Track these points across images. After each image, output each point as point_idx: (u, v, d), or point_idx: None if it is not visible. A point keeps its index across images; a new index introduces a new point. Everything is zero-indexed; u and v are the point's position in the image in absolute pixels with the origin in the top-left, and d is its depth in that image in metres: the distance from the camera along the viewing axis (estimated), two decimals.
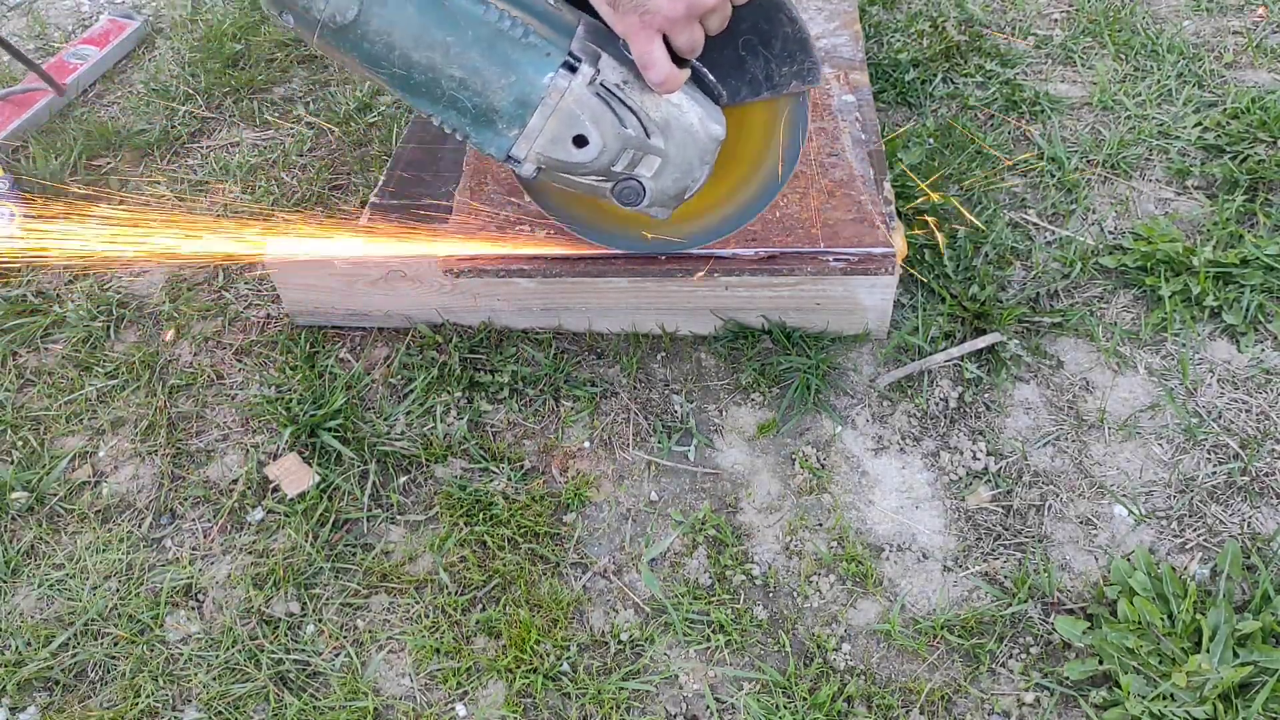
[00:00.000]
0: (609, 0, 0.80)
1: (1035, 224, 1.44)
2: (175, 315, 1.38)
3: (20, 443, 1.23)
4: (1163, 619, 0.96)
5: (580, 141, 0.85)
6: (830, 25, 1.58)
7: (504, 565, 1.07)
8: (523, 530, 1.11)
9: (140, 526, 1.14)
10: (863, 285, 1.21)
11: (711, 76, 0.92)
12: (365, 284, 1.27)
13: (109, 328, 1.36)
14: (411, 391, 1.25)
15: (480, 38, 0.81)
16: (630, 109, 0.85)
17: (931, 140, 1.57)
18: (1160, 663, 0.94)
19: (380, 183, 1.37)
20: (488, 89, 0.83)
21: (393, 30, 0.81)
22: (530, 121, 0.84)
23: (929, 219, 1.37)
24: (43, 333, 1.36)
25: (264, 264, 1.29)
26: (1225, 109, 1.60)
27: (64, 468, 1.20)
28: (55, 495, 1.17)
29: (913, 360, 1.25)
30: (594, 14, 0.86)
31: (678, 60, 0.86)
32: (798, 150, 1.04)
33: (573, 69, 0.82)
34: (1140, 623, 0.97)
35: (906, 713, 0.96)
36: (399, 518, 1.14)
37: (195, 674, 1.01)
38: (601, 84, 0.83)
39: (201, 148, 1.70)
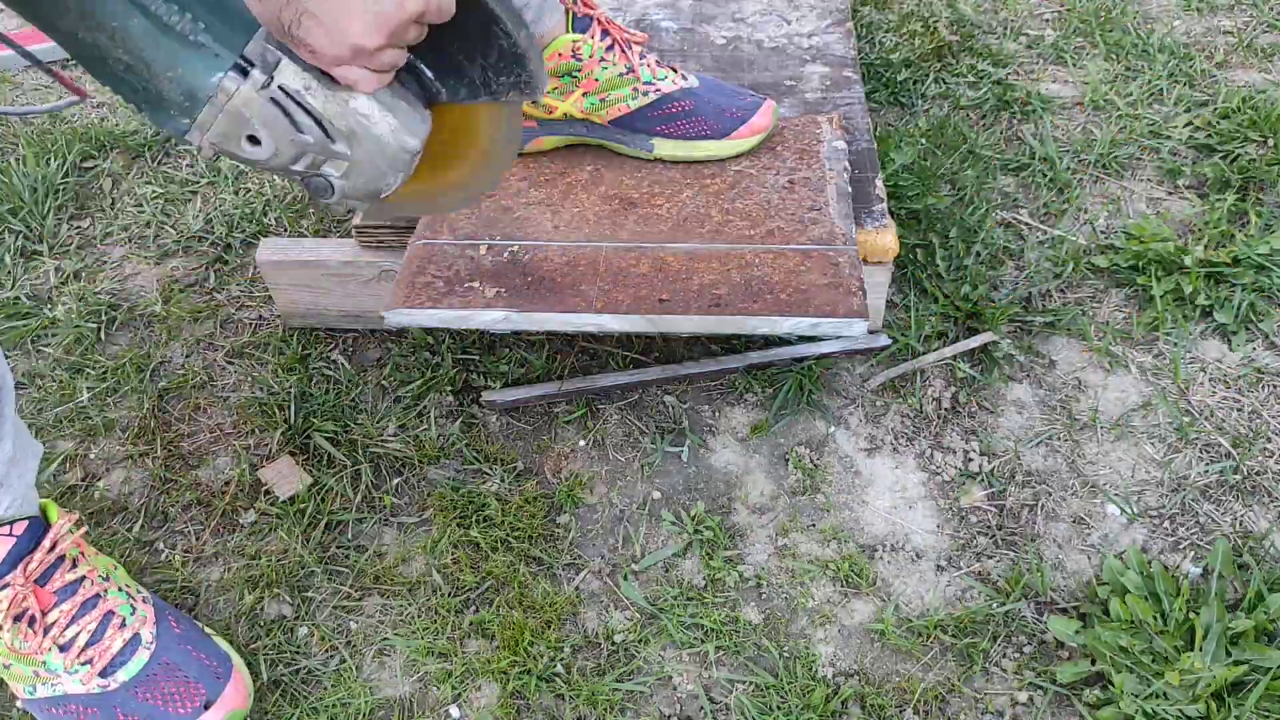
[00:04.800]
0: (287, 40, 0.79)
1: (1027, 223, 1.45)
2: (167, 317, 1.37)
3: None
4: (1155, 618, 0.97)
5: (253, 140, 0.84)
6: (822, 24, 1.58)
7: (497, 567, 1.07)
8: (516, 532, 1.10)
9: (133, 529, 1.13)
10: None
11: (430, 74, 0.91)
12: (358, 284, 1.27)
13: (100, 330, 1.36)
14: (404, 393, 1.25)
15: (145, 29, 0.79)
16: (311, 116, 0.83)
17: (924, 140, 1.57)
18: (1153, 661, 0.94)
19: None
20: (154, 78, 0.82)
21: (56, 2, 0.79)
22: (200, 116, 0.83)
23: None
24: (34, 336, 1.36)
25: (256, 265, 1.29)
26: (1216, 108, 1.60)
27: (55, 470, 1.19)
28: (47, 498, 1.16)
29: (905, 360, 1.25)
30: None
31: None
32: (510, 158, 1.02)
33: (244, 72, 0.81)
34: (1133, 621, 0.97)
35: (900, 712, 0.96)
36: (392, 519, 1.13)
37: None
38: (279, 88, 0.81)
39: (192, 149, 1.69)
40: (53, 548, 0.93)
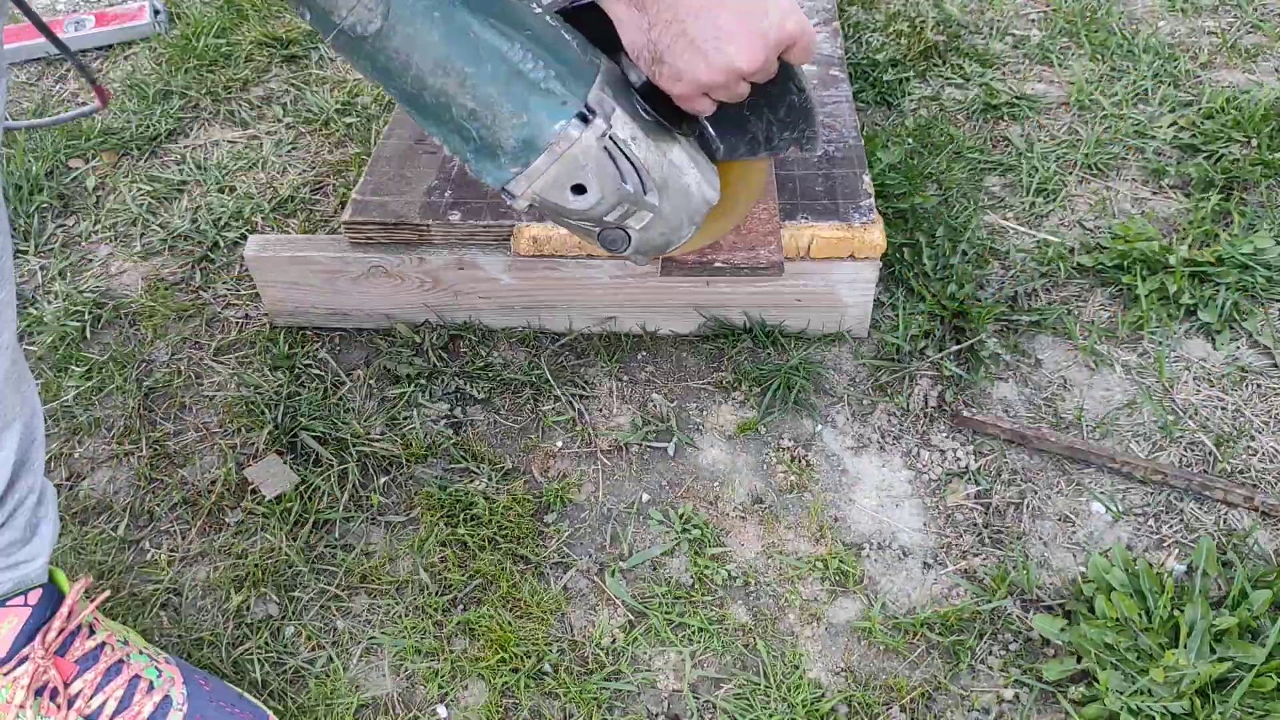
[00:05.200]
0: (648, 68, 0.80)
1: (1013, 223, 1.45)
2: (153, 315, 1.37)
3: None
4: (1140, 615, 0.97)
5: (579, 190, 0.85)
6: (810, 20, 1.58)
7: (485, 565, 1.07)
8: (503, 530, 1.10)
9: (118, 529, 1.13)
10: (843, 281, 1.22)
11: (712, 130, 0.91)
12: (347, 281, 1.26)
13: (85, 328, 1.35)
14: (391, 392, 1.25)
15: (500, 75, 0.79)
16: (634, 166, 0.83)
17: (910, 140, 1.58)
18: (1138, 658, 0.94)
19: (360, 182, 1.36)
20: (497, 125, 0.81)
21: (411, 51, 0.79)
22: (534, 164, 0.82)
23: None
24: (20, 334, 1.34)
25: (244, 262, 1.29)
26: (1200, 108, 1.61)
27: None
28: None
29: (894, 360, 1.26)
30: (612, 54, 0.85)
31: (685, 116, 0.86)
32: (752, 204, 1.04)
33: (586, 120, 0.81)
34: (1118, 619, 0.97)
35: (887, 710, 0.96)
36: (379, 518, 1.13)
37: None
38: (610, 138, 0.82)
39: (179, 148, 1.69)
40: (70, 615, 0.89)
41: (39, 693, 0.86)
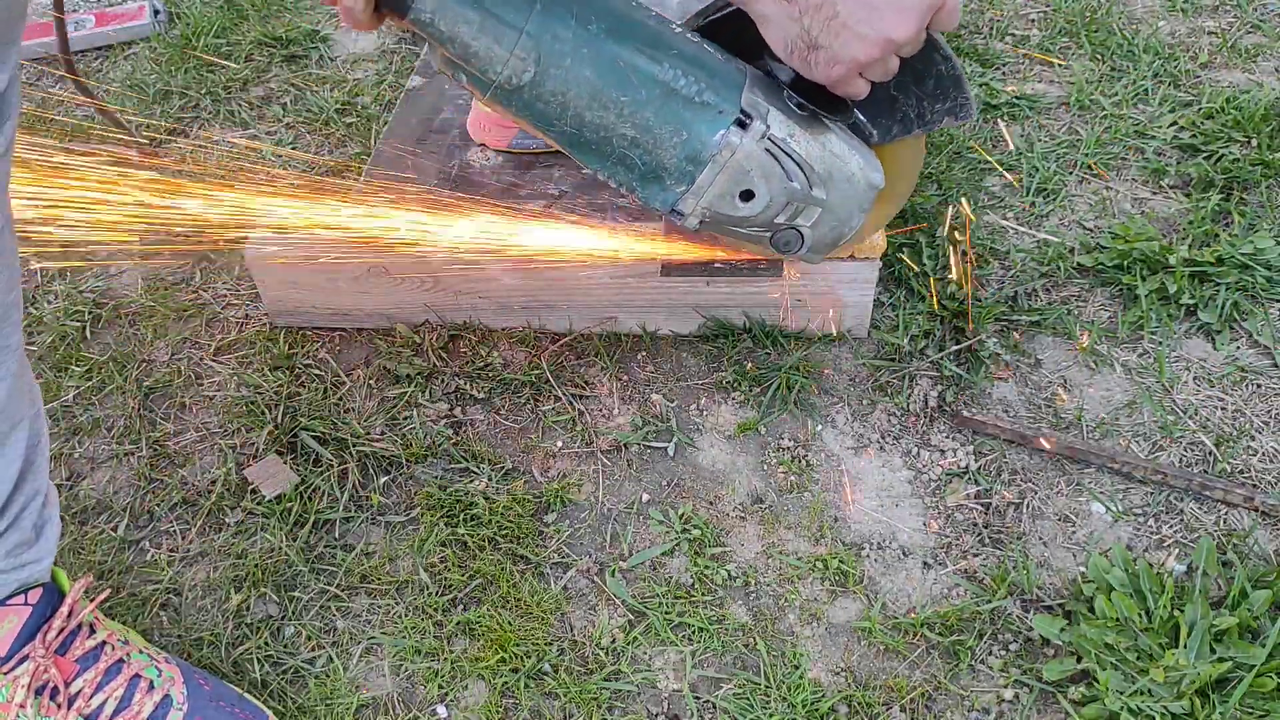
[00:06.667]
0: (801, 59, 0.80)
1: (1013, 223, 1.45)
2: (152, 315, 1.37)
3: None
4: (1140, 615, 0.97)
5: (747, 196, 0.84)
6: None
7: (485, 565, 1.07)
8: (504, 531, 1.10)
9: (118, 529, 1.13)
10: (843, 281, 1.22)
11: (862, 117, 0.91)
12: (346, 280, 1.26)
13: (85, 328, 1.35)
14: (391, 392, 1.25)
15: (655, 97, 0.80)
16: (796, 162, 0.84)
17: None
18: (1138, 658, 0.94)
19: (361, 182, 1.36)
20: (659, 147, 0.82)
21: (567, 91, 0.79)
22: (699, 178, 0.83)
23: None
24: None
25: (243, 261, 1.29)
26: (1200, 108, 1.61)
27: None
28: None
29: (894, 360, 1.26)
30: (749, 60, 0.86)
31: (839, 103, 0.86)
32: (913, 185, 1.04)
33: (744, 125, 0.81)
34: (1118, 619, 0.97)
35: (887, 710, 0.96)
36: (379, 518, 1.13)
37: None
38: (769, 139, 0.82)
39: (179, 148, 1.69)
40: (70, 614, 0.89)
41: (39, 692, 0.86)
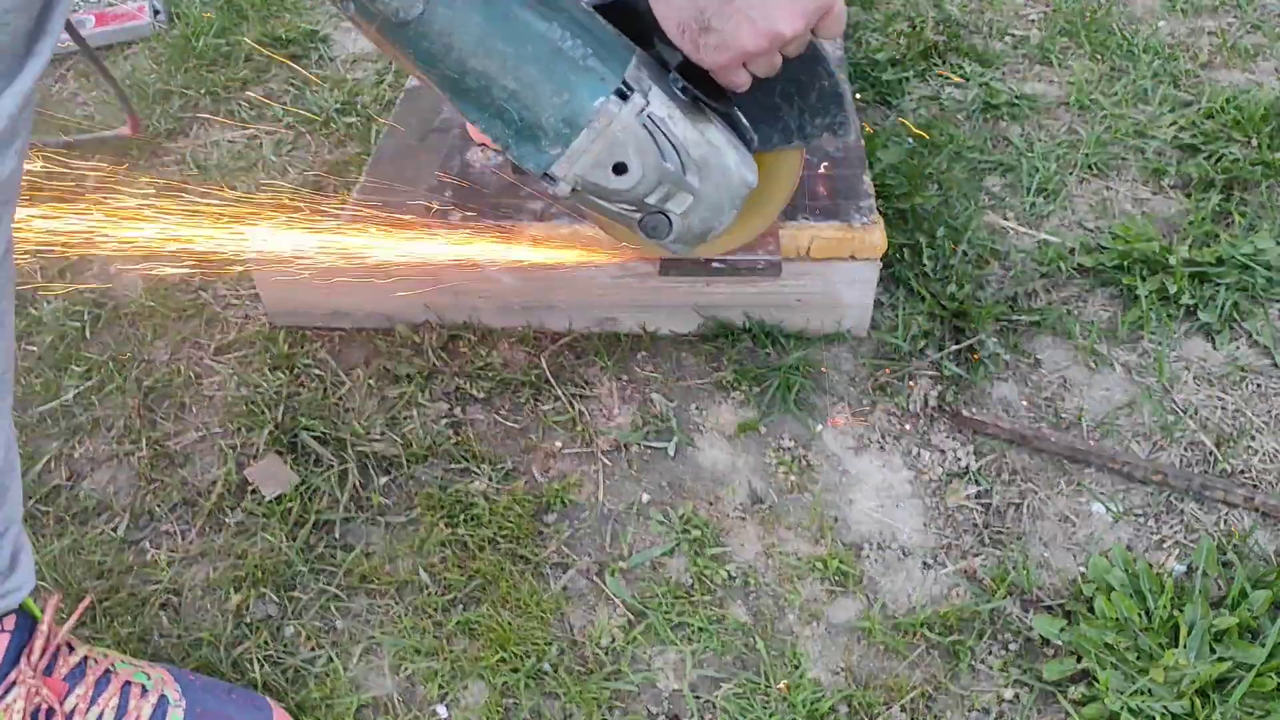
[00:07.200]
0: (691, 40, 0.81)
1: (1013, 223, 1.45)
2: (152, 315, 1.37)
3: None
4: (1140, 615, 0.97)
5: (620, 169, 0.85)
6: None
7: (485, 566, 1.07)
8: (504, 531, 1.10)
9: (118, 529, 1.13)
10: (843, 281, 1.22)
11: (745, 121, 0.92)
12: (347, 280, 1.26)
13: (85, 328, 1.35)
14: (391, 392, 1.25)
15: (540, 54, 0.81)
16: (672, 144, 0.85)
17: (911, 140, 1.58)
18: (1138, 658, 0.94)
19: (360, 182, 1.36)
20: (538, 104, 0.82)
21: (453, 33, 0.80)
22: (575, 142, 0.84)
23: None
24: (19, 335, 1.35)
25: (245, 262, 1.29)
26: (1200, 108, 1.61)
27: (40, 470, 1.19)
28: (31, 498, 1.16)
29: (894, 360, 1.26)
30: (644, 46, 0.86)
31: (719, 94, 0.87)
32: (787, 200, 1.05)
33: (624, 97, 0.82)
34: (1118, 619, 0.97)
35: (887, 710, 0.96)
36: (379, 519, 1.13)
37: None
38: (649, 115, 0.83)
39: (178, 148, 1.69)
40: (49, 634, 0.87)
41: (34, 716, 0.84)
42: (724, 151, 0.87)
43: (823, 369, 1.26)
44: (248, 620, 1.04)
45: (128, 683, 0.89)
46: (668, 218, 0.90)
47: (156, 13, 1.98)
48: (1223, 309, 1.28)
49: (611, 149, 0.84)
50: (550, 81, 0.81)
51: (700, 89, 0.86)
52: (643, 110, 0.83)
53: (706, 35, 0.79)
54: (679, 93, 0.85)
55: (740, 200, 0.91)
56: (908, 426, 1.20)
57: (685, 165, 0.86)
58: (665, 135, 0.84)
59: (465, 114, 0.86)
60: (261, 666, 1.00)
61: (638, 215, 0.90)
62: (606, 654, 1.01)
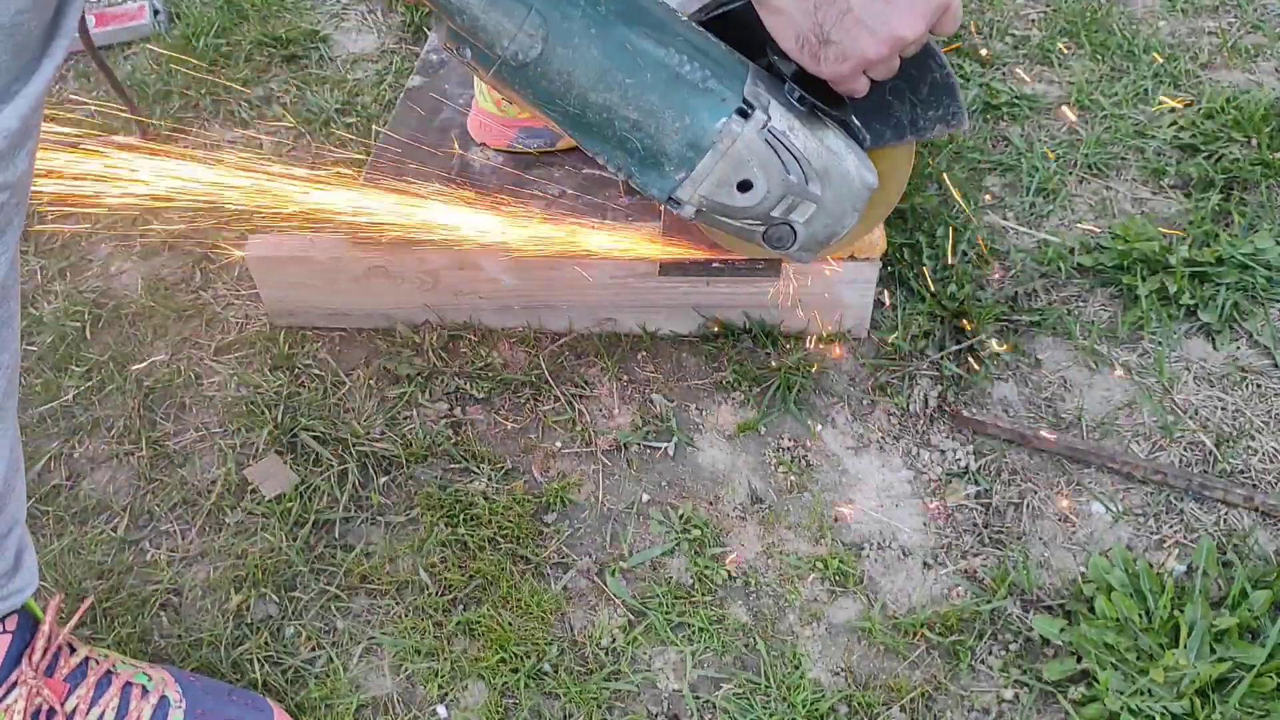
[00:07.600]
0: (810, 54, 0.81)
1: (1013, 223, 1.45)
2: (152, 315, 1.37)
3: None
4: (1140, 615, 0.97)
5: (744, 186, 0.85)
6: None
7: (485, 566, 1.07)
8: (504, 531, 1.10)
9: (118, 529, 1.13)
10: (843, 281, 1.22)
11: (856, 121, 0.91)
12: (346, 281, 1.26)
13: (85, 328, 1.35)
14: (391, 392, 1.25)
15: (660, 81, 0.81)
16: (794, 156, 0.84)
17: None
18: (1138, 659, 0.94)
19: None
20: (661, 131, 0.82)
21: (573, 70, 0.80)
22: (699, 165, 0.83)
23: None
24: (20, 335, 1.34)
25: (244, 261, 1.29)
26: (1200, 108, 1.61)
27: (40, 470, 1.19)
28: (31, 498, 1.16)
29: (894, 360, 1.26)
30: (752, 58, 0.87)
31: (837, 101, 0.87)
32: (900, 193, 1.06)
33: (745, 115, 0.82)
34: (1118, 619, 0.97)
35: (887, 710, 0.96)
36: (379, 518, 1.13)
37: None
38: (770, 130, 0.83)
39: (178, 149, 1.68)
40: (50, 634, 0.87)
41: (35, 717, 0.85)
42: (844, 157, 0.87)
43: (823, 369, 1.25)
44: (248, 620, 1.05)
45: (129, 683, 0.89)
46: (792, 228, 0.89)
47: (156, 13, 1.97)
48: (1223, 309, 1.28)
49: (736, 168, 0.84)
50: (672, 107, 0.81)
51: (816, 97, 0.85)
52: (764, 126, 0.82)
53: (826, 48, 0.79)
54: (796, 103, 0.85)
55: (863, 203, 0.90)
56: (908, 426, 1.20)
57: (808, 175, 0.85)
58: (787, 148, 0.83)
59: (587, 147, 0.85)
60: (261, 667, 1.00)
61: (761, 229, 0.89)
62: (606, 654, 1.01)
